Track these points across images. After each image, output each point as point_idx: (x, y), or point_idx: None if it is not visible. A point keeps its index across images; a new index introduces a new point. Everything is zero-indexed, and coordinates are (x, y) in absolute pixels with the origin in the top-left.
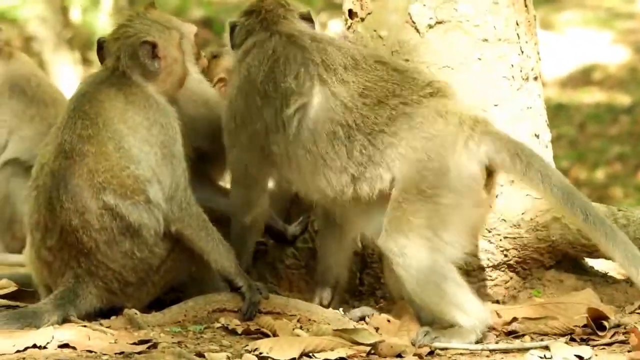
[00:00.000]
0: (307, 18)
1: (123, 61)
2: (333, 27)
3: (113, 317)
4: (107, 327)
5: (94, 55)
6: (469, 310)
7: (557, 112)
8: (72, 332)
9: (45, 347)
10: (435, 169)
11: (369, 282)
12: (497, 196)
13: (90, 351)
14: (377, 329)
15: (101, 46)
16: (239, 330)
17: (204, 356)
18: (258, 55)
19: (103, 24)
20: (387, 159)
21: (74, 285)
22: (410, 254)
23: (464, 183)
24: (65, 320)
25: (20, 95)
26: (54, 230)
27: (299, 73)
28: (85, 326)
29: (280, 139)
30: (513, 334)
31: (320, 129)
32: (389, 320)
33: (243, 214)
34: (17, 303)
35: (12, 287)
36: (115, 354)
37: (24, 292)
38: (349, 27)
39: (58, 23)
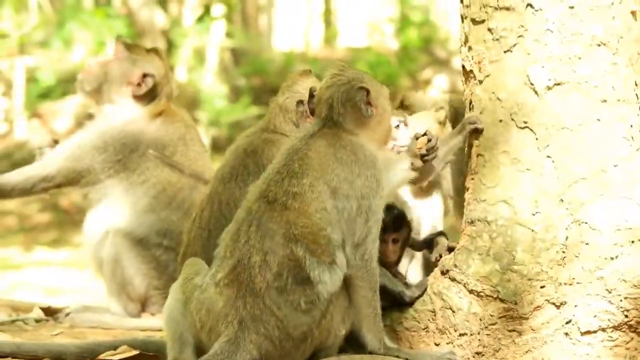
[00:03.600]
0: None
1: (336, 108)
2: (438, 83)
3: None
4: None
5: (199, 114)
6: None
7: None
8: None
9: None
10: None
11: None
12: (617, 257)
13: None
14: None
15: (312, 95)
16: None
17: None
18: None
19: (208, 82)
20: None
21: (236, 334)
22: None
23: None
24: None
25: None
26: (228, 263)
27: None
28: None
29: None
30: None
31: None
32: None
33: None
34: None
35: (133, 352)
36: None
37: (145, 357)
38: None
39: None
